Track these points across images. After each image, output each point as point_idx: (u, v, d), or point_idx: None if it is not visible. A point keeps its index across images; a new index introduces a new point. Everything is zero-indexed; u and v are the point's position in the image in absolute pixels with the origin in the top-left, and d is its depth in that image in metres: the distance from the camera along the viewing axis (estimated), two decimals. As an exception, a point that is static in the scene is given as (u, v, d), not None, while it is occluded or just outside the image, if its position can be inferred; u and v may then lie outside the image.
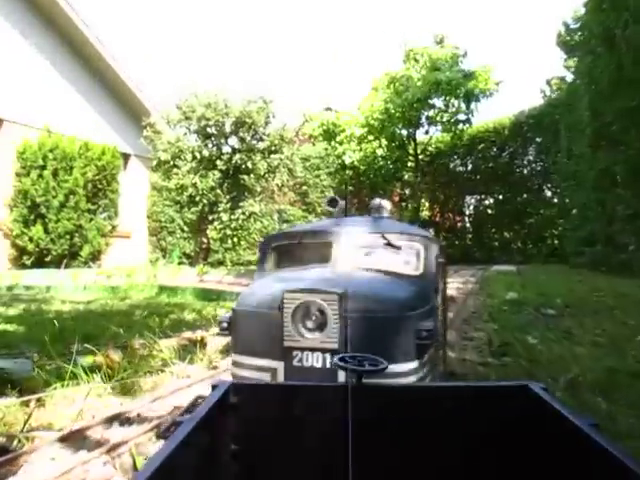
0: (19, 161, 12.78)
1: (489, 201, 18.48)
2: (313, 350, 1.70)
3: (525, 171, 17.51)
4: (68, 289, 8.28)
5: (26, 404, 2.47)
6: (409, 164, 18.47)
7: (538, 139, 16.93)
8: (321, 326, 1.69)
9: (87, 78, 15.15)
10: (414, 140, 17.83)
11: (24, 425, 2.18)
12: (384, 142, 17.12)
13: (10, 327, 4.57)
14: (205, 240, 15.56)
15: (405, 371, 1.70)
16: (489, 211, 18.37)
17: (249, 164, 13.99)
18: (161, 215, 17.84)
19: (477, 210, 18.73)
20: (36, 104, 13.05)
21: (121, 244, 15.56)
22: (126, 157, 16.65)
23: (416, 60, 16.51)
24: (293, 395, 1.18)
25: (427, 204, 19.48)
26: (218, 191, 13.99)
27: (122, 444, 1.98)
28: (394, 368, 1.63)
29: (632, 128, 9.46)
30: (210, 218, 14.34)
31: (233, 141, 14.54)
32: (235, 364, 1.92)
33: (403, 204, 19.65)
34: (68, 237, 12.93)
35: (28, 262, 12.57)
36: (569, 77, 16.24)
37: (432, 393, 1.21)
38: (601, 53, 10.48)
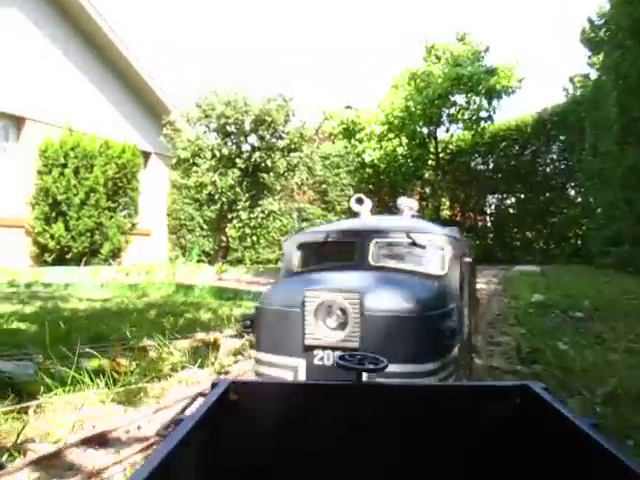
0: (41, 159, 12.92)
1: (511, 200, 18.15)
2: (334, 349, 1.68)
3: (548, 169, 17.15)
4: (86, 287, 8.28)
5: (25, 411, 2.37)
6: (429, 162, 18.22)
7: (562, 137, 16.58)
8: (342, 325, 1.68)
9: (110, 78, 15.31)
10: (435, 138, 17.59)
11: (17, 436, 2.06)
12: (404, 140, 16.90)
13: (23, 325, 4.52)
14: (224, 238, 15.54)
15: (426, 371, 1.68)
16: (511, 210, 18.04)
17: (268, 162, 13.92)
18: (181, 213, 17.93)
19: (499, 209, 18.42)
20: (57, 103, 13.18)
21: (141, 242, 15.66)
22: (146, 155, 16.76)
23: (437, 57, 16.28)
24: (294, 393, 1.19)
25: (448, 203, 19.25)
26: (237, 189, 13.94)
27: (106, 469, 1.84)
28: (415, 368, 1.64)
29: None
30: (229, 216, 14.30)
31: (252, 139, 14.48)
32: (258, 361, 1.91)
33: (423, 203, 19.42)
34: (89, 235, 13.04)
35: (49, 259, 12.70)
36: (593, 74, 15.92)
37: (433, 392, 1.21)
38: (630, 46, 10.16)
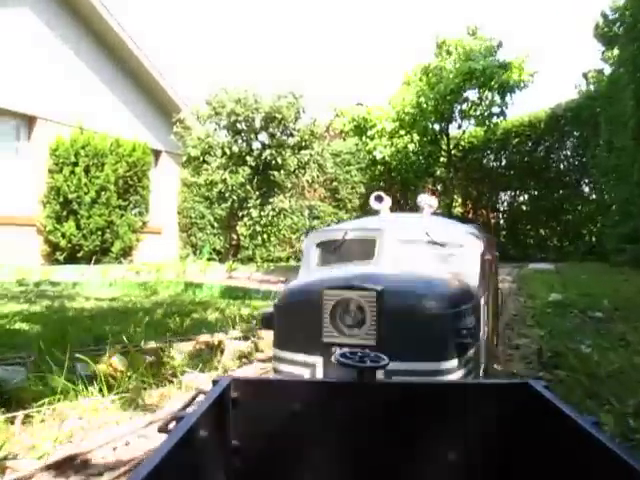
0: (52, 158, 12.93)
1: (524, 197, 17.89)
2: (351, 347, 1.64)
3: (562, 166, 16.88)
4: (94, 285, 8.23)
5: (11, 421, 2.23)
6: (441, 159, 18.04)
7: (576, 133, 16.32)
8: (359, 323, 1.69)
9: (121, 78, 15.32)
10: (447, 135, 17.39)
11: (-1, 450, 1.93)
12: (416, 137, 16.73)
13: (25, 326, 4.44)
14: (235, 236, 15.47)
15: (443, 369, 1.67)
16: (524, 207, 17.78)
17: (279, 160, 13.82)
18: (191, 211, 17.91)
19: (511, 206, 18.19)
20: (68, 102, 13.18)
21: (152, 240, 15.65)
22: (157, 153, 16.75)
23: (449, 52, 16.08)
24: (294, 391, 1.19)
25: (460, 200, 19.04)
26: (248, 187, 13.85)
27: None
28: (434, 366, 1.64)
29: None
30: (240, 214, 14.22)
31: (263, 137, 14.39)
32: (276, 359, 1.92)
33: (435, 200, 19.22)
34: (100, 233, 13.04)
35: (61, 258, 12.72)
36: (607, 69, 15.64)
37: (434, 390, 1.21)
38: (648, 39, 9.95)
